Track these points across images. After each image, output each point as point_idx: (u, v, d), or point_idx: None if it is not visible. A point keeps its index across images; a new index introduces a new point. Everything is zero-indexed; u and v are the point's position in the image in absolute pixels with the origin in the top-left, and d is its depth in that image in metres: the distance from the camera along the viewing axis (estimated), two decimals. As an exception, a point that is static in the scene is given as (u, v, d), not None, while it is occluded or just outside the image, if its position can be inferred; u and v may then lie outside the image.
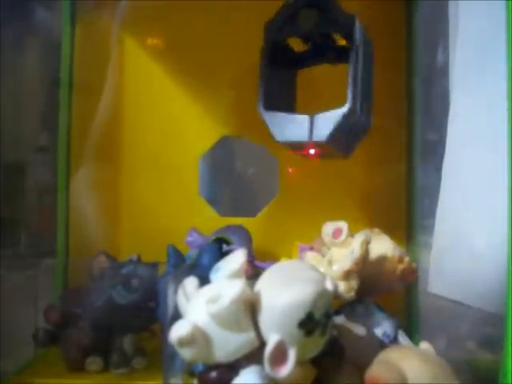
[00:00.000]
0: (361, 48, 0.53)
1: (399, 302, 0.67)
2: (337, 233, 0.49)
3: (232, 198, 0.68)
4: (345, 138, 0.57)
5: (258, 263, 0.48)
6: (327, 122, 0.52)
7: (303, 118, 0.53)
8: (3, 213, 0.58)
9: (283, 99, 0.60)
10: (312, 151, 0.55)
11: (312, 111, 0.54)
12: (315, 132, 0.52)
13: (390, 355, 0.42)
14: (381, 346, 0.47)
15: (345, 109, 0.51)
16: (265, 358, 0.37)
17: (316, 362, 0.41)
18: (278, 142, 0.55)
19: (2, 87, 0.57)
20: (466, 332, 0.54)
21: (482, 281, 0.53)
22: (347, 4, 0.68)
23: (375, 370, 0.40)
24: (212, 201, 0.65)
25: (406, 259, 0.50)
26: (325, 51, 0.58)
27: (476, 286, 0.54)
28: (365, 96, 0.55)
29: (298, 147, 0.56)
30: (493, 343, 0.50)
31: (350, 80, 0.52)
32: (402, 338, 0.50)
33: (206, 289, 0.41)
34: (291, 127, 0.54)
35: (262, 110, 0.55)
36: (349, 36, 0.53)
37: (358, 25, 0.53)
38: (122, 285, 0.52)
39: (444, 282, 0.57)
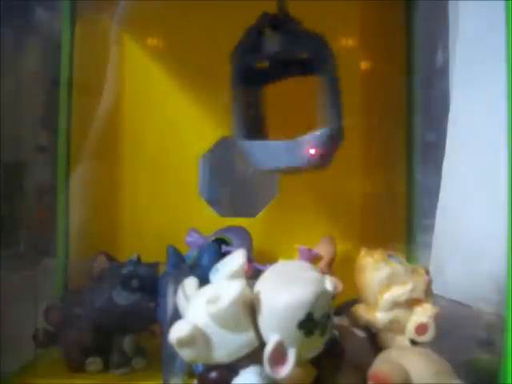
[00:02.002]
0: (332, 69, 0.52)
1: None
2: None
3: (232, 198, 0.68)
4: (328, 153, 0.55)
5: (256, 265, 0.48)
6: (313, 144, 0.51)
7: (284, 144, 0.52)
8: (3, 213, 0.58)
9: (256, 122, 0.59)
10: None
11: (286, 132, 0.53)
12: (301, 156, 0.51)
13: (392, 354, 0.42)
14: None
15: (329, 130, 0.50)
16: (264, 358, 0.37)
17: (316, 362, 0.41)
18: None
19: (2, 87, 0.57)
20: (466, 332, 0.54)
21: (482, 281, 0.53)
22: (348, 5, 0.68)
23: (379, 368, 0.40)
24: (212, 201, 0.65)
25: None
26: (287, 66, 0.57)
27: (476, 286, 0.55)
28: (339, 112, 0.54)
29: (287, 171, 0.56)
30: (492, 343, 0.50)
31: (329, 103, 0.51)
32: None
33: (206, 289, 0.41)
34: (272, 154, 0.53)
35: (239, 140, 0.55)
36: (316, 56, 0.52)
37: (326, 46, 0.52)
38: (121, 285, 0.52)
39: (444, 281, 0.57)
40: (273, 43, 0.53)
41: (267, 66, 0.59)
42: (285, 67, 0.58)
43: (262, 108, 0.61)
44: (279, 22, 0.53)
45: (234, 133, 0.56)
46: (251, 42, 0.54)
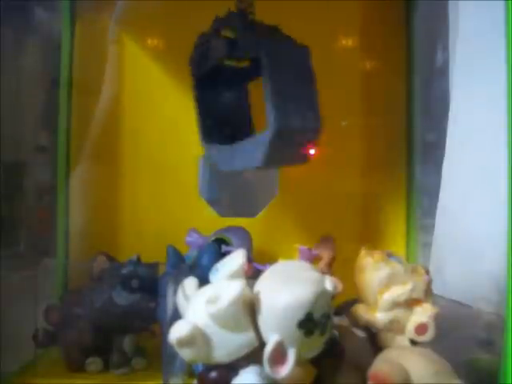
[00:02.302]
0: (273, 70, 0.50)
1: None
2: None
3: (232, 198, 0.68)
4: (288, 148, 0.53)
5: (256, 265, 0.48)
6: (258, 147, 0.50)
7: (236, 147, 0.52)
8: (3, 213, 0.58)
9: (221, 125, 0.58)
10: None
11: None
12: (251, 159, 0.51)
13: (392, 354, 0.42)
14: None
15: (271, 130, 0.48)
16: (264, 358, 0.37)
17: (315, 361, 0.41)
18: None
19: (2, 87, 0.57)
20: (466, 332, 0.54)
21: (482, 281, 0.53)
22: (348, 4, 0.68)
23: (379, 368, 0.40)
24: (212, 201, 0.64)
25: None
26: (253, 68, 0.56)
27: (476, 286, 0.55)
28: (302, 103, 0.52)
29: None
30: (492, 343, 0.50)
31: (269, 101, 0.49)
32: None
33: (206, 289, 0.41)
34: (230, 157, 0.53)
35: (203, 144, 0.55)
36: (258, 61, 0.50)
37: (267, 47, 0.50)
38: (121, 285, 0.52)
39: (444, 281, 0.57)
40: (215, 49, 0.52)
41: (238, 68, 0.58)
42: (251, 69, 0.57)
43: (231, 110, 0.60)
44: (230, 24, 0.53)
45: (199, 136, 0.56)
46: (201, 49, 0.54)
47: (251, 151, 0.50)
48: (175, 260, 0.51)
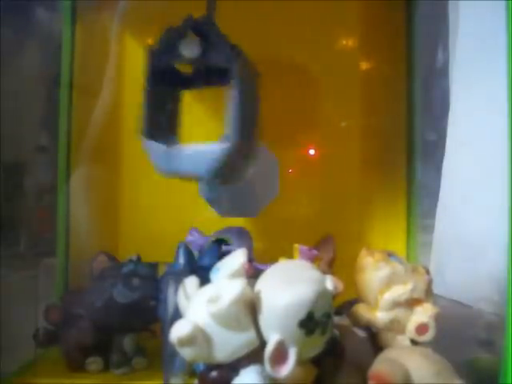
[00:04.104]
0: (242, 84, 0.51)
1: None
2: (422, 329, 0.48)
3: (232, 198, 0.68)
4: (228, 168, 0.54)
5: (257, 265, 0.48)
6: (206, 156, 0.50)
7: (182, 150, 0.52)
8: (3, 213, 0.58)
9: (167, 125, 0.58)
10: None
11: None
12: (195, 166, 0.51)
13: (393, 353, 0.42)
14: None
15: (225, 145, 0.49)
16: (265, 357, 0.37)
17: (316, 361, 0.41)
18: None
19: (2, 87, 0.57)
20: (466, 332, 0.54)
21: (482, 281, 0.53)
22: (348, 5, 0.68)
23: (379, 368, 0.40)
24: (212, 201, 0.64)
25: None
26: (210, 74, 0.56)
27: (476, 286, 0.55)
28: (249, 125, 0.53)
29: (184, 177, 0.55)
30: (493, 343, 0.50)
31: (231, 118, 0.50)
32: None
33: (207, 289, 0.41)
34: (172, 159, 0.52)
35: (143, 139, 0.54)
36: (229, 70, 0.51)
37: (238, 60, 0.51)
38: (122, 284, 0.52)
39: (444, 281, 0.57)
40: (187, 48, 0.52)
41: (189, 72, 0.58)
42: (206, 75, 0.57)
43: (177, 113, 0.60)
44: (201, 27, 0.52)
45: (141, 131, 0.55)
46: (169, 43, 0.53)
47: (199, 158, 0.51)
48: (186, 259, 0.50)
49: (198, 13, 0.67)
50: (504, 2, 0.42)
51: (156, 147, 0.54)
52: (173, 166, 0.53)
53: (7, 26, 0.60)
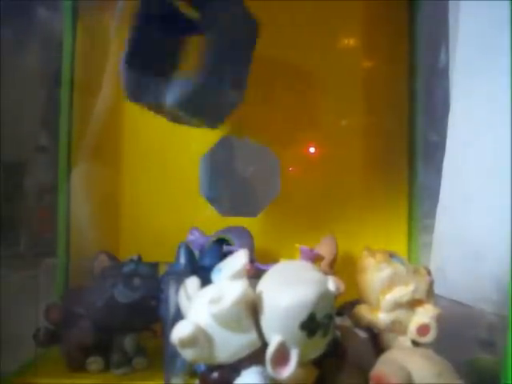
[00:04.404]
0: (220, 23, 0.52)
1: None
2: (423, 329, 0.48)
3: (233, 197, 0.68)
4: (202, 107, 0.55)
5: (258, 265, 0.48)
6: (178, 88, 0.51)
7: (158, 81, 0.53)
8: (4, 213, 0.58)
9: (154, 60, 0.58)
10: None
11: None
12: (167, 96, 0.52)
13: (394, 355, 0.42)
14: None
15: (197, 79, 0.51)
16: (267, 358, 0.37)
17: (317, 362, 0.41)
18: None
19: (3, 87, 0.57)
20: (468, 332, 0.54)
21: (484, 281, 0.53)
22: (350, 5, 0.68)
23: (381, 369, 0.40)
24: (213, 200, 0.65)
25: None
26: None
27: (477, 287, 0.54)
28: (231, 71, 0.54)
29: (151, 108, 0.56)
30: (494, 344, 0.50)
31: (205, 53, 0.51)
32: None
33: (208, 289, 0.41)
34: (146, 88, 0.53)
35: (123, 64, 0.54)
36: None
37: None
38: (123, 283, 0.52)
39: (445, 282, 0.57)
40: None
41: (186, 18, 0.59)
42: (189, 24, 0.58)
43: (162, 54, 0.60)
44: None
45: (122, 57, 0.55)
46: None
47: (172, 87, 0.52)
48: (187, 260, 0.50)
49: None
50: (507, 3, 0.42)
51: (132, 75, 0.54)
52: (145, 96, 0.54)
53: (8, 26, 0.60)
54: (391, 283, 0.47)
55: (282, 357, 0.37)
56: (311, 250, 0.54)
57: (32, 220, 0.68)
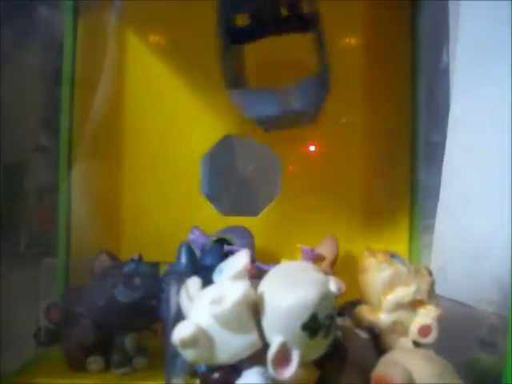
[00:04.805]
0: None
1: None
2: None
3: (234, 197, 0.68)
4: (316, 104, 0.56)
5: (260, 265, 0.48)
6: (303, 92, 0.52)
7: (275, 92, 0.53)
8: (4, 213, 0.58)
9: (241, 75, 0.59)
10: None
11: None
12: (292, 104, 0.52)
13: (395, 356, 0.42)
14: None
15: (319, 77, 0.52)
16: (268, 359, 0.37)
17: (318, 363, 0.41)
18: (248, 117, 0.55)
19: (3, 86, 0.57)
20: (469, 333, 0.54)
21: (485, 281, 0.53)
22: (352, 5, 0.68)
23: (382, 370, 0.40)
24: (214, 200, 0.65)
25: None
26: (269, 24, 0.58)
27: (478, 287, 0.54)
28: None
29: (266, 121, 0.56)
30: (495, 344, 0.50)
31: (320, 49, 0.52)
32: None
33: (209, 290, 0.41)
34: (263, 102, 0.53)
35: (228, 89, 0.55)
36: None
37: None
38: (123, 283, 0.52)
39: (446, 282, 0.57)
40: None
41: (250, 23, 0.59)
42: (265, 25, 0.58)
43: (243, 63, 0.61)
44: None
45: (224, 82, 0.56)
46: None
47: (284, 99, 0.52)
48: (188, 259, 0.50)
49: (199, 10, 0.68)
50: (509, 3, 0.42)
51: (244, 95, 0.55)
52: (259, 109, 0.54)
53: (8, 25, 0.59)
54: (392, 284, 0.47)
55: (283, 357, 0.37)
56: (312, 250, 0.54)
57: (32, 220, 0.68)
